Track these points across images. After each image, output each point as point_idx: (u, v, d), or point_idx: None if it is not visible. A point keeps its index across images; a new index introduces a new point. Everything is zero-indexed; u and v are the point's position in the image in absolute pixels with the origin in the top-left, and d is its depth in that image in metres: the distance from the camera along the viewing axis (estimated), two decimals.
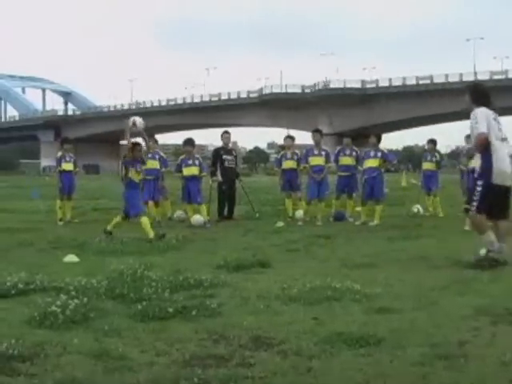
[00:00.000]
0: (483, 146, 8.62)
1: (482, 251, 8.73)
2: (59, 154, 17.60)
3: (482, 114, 8.67)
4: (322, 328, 5.48)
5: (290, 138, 18.52)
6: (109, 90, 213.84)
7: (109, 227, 12.90)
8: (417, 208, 18.24)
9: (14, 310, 6.35)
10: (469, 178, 14.48)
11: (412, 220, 16.26)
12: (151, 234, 12.32)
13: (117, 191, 35.07)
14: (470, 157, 9.53)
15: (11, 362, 4.61)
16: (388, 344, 4.95)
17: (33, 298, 6.77)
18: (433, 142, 18.81)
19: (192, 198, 15.93)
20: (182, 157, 16.55)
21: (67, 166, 17.41)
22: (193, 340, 5.18)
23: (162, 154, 17.51)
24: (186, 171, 16.06)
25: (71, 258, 9.88)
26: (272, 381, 4.16)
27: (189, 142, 16.66)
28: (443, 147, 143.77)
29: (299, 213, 16.52)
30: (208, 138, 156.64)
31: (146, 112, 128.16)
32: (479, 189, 8.67)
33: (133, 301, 6.57)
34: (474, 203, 8.70)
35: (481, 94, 9.19)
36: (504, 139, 8.81)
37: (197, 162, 16.20)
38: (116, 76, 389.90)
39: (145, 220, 12.62)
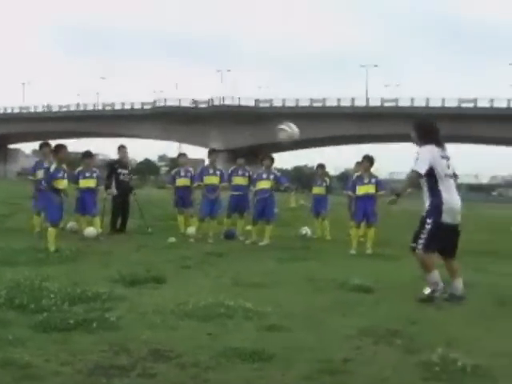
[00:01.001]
0: (413, 184, 8.84)
1: (427, 290, 8.50)
2: None
3: (426, 153, 8.59)
4: (216, 343, 5.83)
5: (184, 155, 18.85)
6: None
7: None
8: (305, 230, 18.73)
9: None
10: (357, 204, 15.19)
11: (300, 242, 16.77)
12: (53, 248, 12.47)
13: (5, 196, 34.70)
14: (397, 194, 8.91)
15: None
16: (279, 359, 5.35)
17: None
18: (322, 166, 19.40)
19: (87, 210, 16.03)
20: (79, 168, 16.62)
21: None
22: (95, 351, 5.43)
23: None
24: (83, 183, 16.16)
25: None
26: None
27: (88, 154, 16.82)
28: (332, 169, 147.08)
29: (191, 229, 16.80)
30: (99, 147, 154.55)
31: (36, 117, 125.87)
32: (428, 227, 8.50)
33: (33, 311, 6.74)
34: (421, 241, 8.51)
35: (427, 130, 9.00)
36: (452, 176, 8.78)
37: (94, 175, 16.35)
38: (9, 79, 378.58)
39: (54, 232, 12.80)
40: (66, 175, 13.29)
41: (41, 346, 5.52)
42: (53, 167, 12.99)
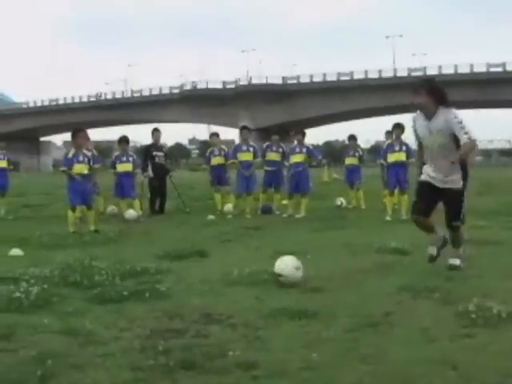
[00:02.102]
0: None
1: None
2: None
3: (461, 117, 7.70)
4: (263, 305, 6.17)
5: (216, 135, 19.19)
6: (27, 86, 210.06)
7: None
8: (340, 201, 19.05)
9: None
10: (389, 171, 15.43)
11: (336, 212, 17.06)
12: (72, 229, 13.30)
13: (41, 187, 35.45)
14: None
15: None
16: (323, 316, 5.67)
17: None
18: (354, 137, 19.67)
19: (126, 193, 16.47)
20: (116, 153, 17.16)
21: (1, 164, 17.79)
22: (150, 318, 5.79)
23: (94, 151, 17.86)
24: (120, 167, 16.62)
25: (16, 251, 10.29)
26: (227, 347, 4.80)
27: (123, 139, 17.24)
28: (363, 143, 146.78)
29: (228, 206, 17.19)
30: (129, 134, 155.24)
31: (66, 108, 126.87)
32: (464, 199, 7.92)
33: (87, 287, 7.12)
34: (461, 216, 7.95)
35: (443, 91, 7.93)
36: None
37: (130, 159, 16.79)
38: (34, 73, 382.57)
39: (71, 215, 13.58)
40: (87, 159, 13.68)
41: (99, 316, 5.89)
42: (71, 153, 13.50)
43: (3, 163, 17.91)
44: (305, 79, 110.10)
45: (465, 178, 7.83)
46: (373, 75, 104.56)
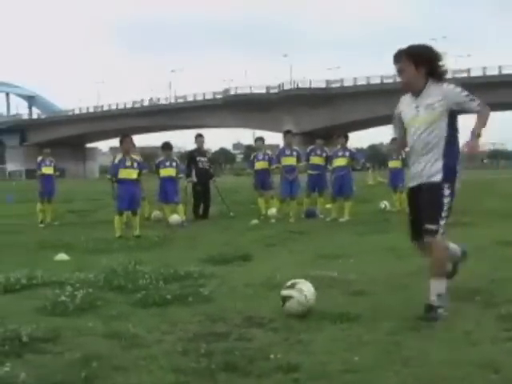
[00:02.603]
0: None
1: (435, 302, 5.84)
2: (39, 158, 18.25)
3: None
4: None
5: (261, 139, 19.22)
6: (73, 93, 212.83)
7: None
8: (384, 204, 18.98)
9: (22, 302, 6.89)
10: None
11: (380, 215, 16.99)
12: (118, 234, 13.67)
13: (87, 193, 35.90)
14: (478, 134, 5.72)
15: (35, 343, 5.17)
16: (365, 319, 5.66)
17: (40, 291, 7.36)
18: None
19: (169, 198, 16.60)
20: (160, 158, 17.30)
21: (47, 170, 18.03)
22: (193, 321, 5.83)
23: (139, 157, 17.99)
24: (164, 172, 16.78)
25: (62, 256, 10.48)
26: (269, 350, 4.82)
27: (167, 145, 17.41)
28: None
29: (272, 211, 17.18)
30: (174, 139, 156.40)
31: (111, 115, 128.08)
32: (448, 200, 5.90)
33: (131, 291, 7.19)
34: (442, 221, 5.92)
35: (431, 55, 6.16)
36: None
37: (174, 164, 16.94)
38: (80, 79, 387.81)
39: (118, 220, 13.96)
40: (136, 164, 13.89)
41: (142, 320, 5.94)
42: (117, 159, 13.72)
43: (50, 170, 18.14)
44: (348, 82, 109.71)
45: (452, 177, 5.96)
46: None
